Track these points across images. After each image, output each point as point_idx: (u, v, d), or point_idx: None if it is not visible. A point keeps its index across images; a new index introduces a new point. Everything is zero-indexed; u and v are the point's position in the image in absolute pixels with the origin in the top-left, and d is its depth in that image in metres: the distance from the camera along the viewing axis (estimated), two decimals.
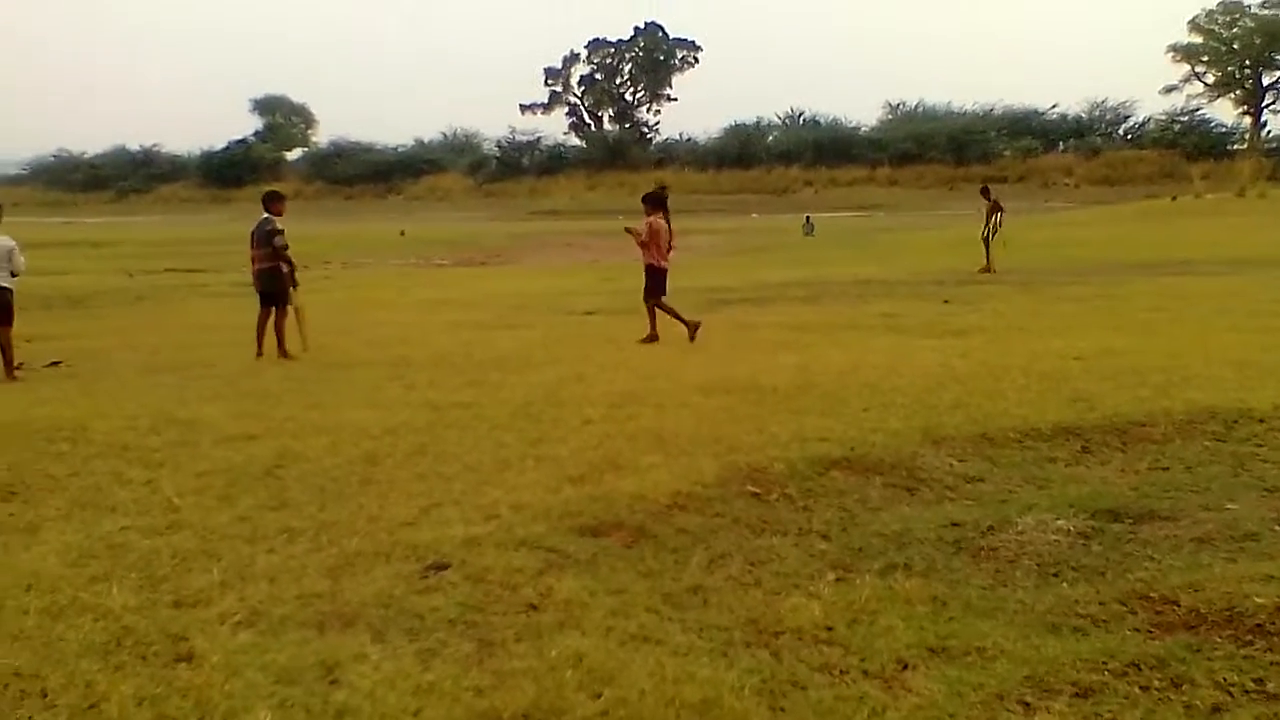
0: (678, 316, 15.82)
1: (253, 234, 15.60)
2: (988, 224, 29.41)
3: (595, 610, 5.62)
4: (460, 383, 12.29)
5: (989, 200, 29.76)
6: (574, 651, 5.10)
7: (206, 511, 7.46)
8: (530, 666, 4.99)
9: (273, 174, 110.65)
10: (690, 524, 7.08)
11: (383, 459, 8.78)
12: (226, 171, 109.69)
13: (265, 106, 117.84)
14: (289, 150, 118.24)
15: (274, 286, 15.26)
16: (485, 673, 4.95)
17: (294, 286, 15.37)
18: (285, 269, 15.25)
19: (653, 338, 15.70)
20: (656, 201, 16.35)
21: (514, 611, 5.65)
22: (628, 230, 16.25)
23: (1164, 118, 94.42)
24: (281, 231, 15.30)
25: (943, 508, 7.46)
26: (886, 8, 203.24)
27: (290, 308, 15.24)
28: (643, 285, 16.16)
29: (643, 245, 16.09)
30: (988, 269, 28.37)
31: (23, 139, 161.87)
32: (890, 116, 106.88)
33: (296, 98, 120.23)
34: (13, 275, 13.66)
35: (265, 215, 15.45)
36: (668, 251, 16.17)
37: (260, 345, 15.12)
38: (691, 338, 15.49)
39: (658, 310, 15.89)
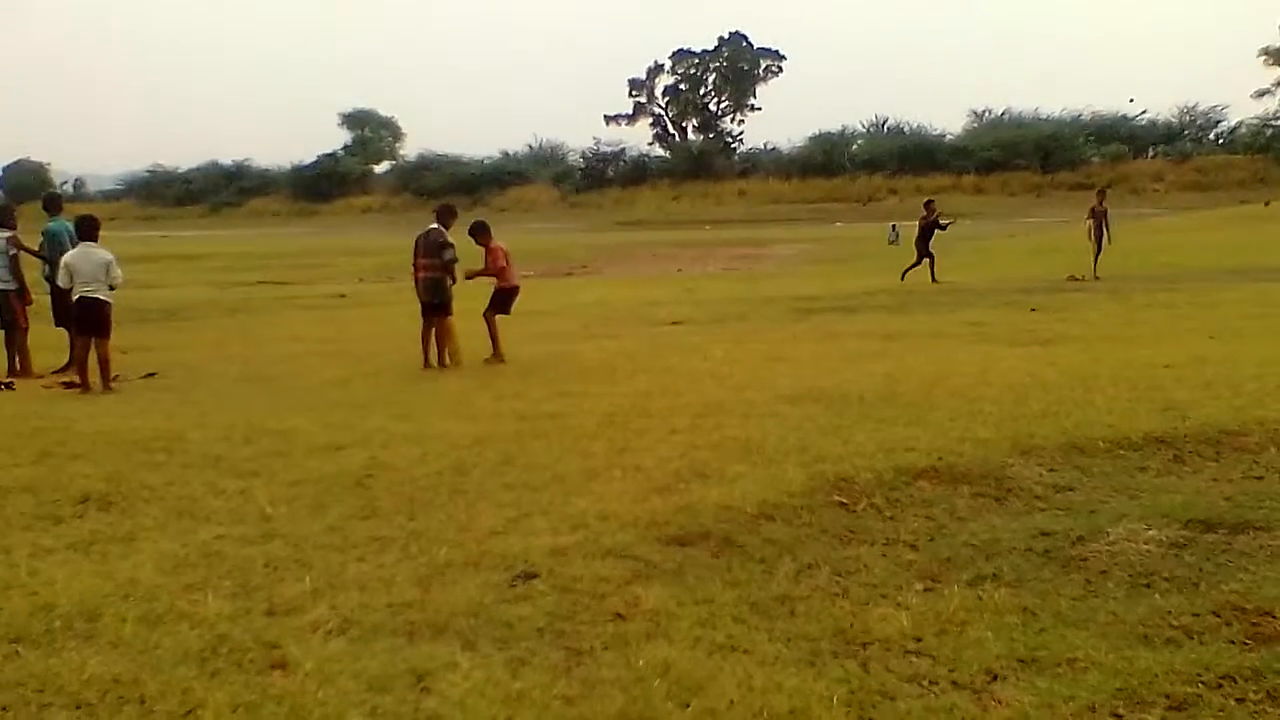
0: (495, 340, 15.71)
1: (418, 242, 15.53)
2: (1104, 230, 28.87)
3: (682, 620, 5.64)
4: (547, 393, 12.35)
5: (1101, 205, 29.25)
6: (662, 661, 5.12)
7: (298, 521, 7.58)
8: (618, 676, 5.01)
9: (360, 187, 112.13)
10: (777, 534, 7.08)
11: (471, 469, 8.85)
12: (315, 185, 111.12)
13: (354, 121, 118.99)
14: (377, 163, 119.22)
15: (440, 296, 15.33)
16: (574, 681, 4.98)
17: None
18: (450, 282, 15.37)
19: (498, 357, 15.59)
20: (486, 227, 16.21)
21: (602, 621, 5.68)
22: (472, 276, 15.98)
23: (1256, 122, 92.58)
24: (453, 245, 15.40)
25: (1032, 517, 7.39)
26: (972, 14, 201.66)
27: (450, 319, 15.33)
28: (489, 302, 16.07)
29: (501, 270, 16.04)
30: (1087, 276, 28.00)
31: (120, 155, 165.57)
32: (975, 124, 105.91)
33: (385, 111, 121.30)
34: (110, 288, 13.92)
35: (435, 226, 15.49)
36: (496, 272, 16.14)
37: (426, 355, 15.26)
38: (487, 361, 15.39)
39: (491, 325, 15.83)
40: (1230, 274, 26.70)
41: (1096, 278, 27.67)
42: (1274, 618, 5.43)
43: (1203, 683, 4.78)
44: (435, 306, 15.27)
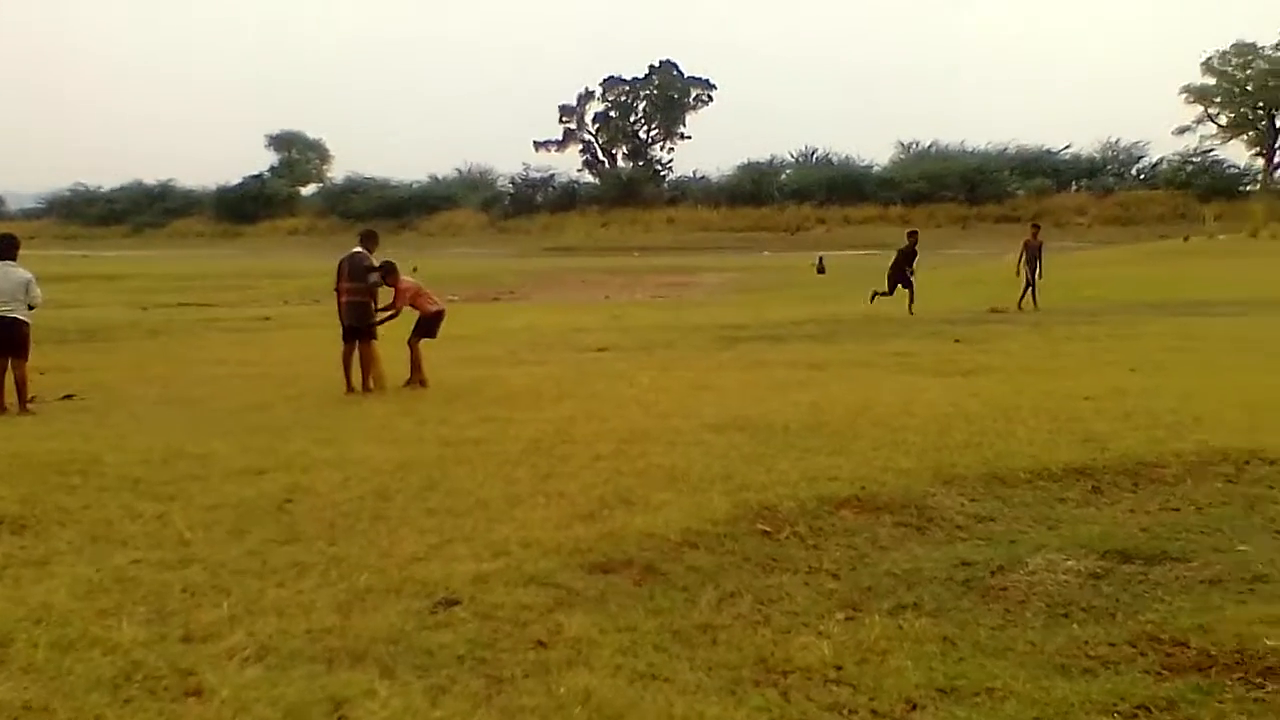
0: (417, 365, 15.68)
1: (342, 266, 15.42)
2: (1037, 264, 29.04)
3: (604, 648, 5.62)
4: (472, 418, 12.31)
5: (1036, 239, 29.49)
6: (583, 689, 5.10)
7: (217, 546, 7.49)
8: (539, 704, 4.99)
9: (287, 209, 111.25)
10: (700, 562, 7.08)
11: (393, 494, 8.80)
12: (241, 206, 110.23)
13: (280, 142, 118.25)
14: (304, 186, 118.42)
15: (364, 321, 15.22)
16: (494, 710, 4.95)
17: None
18: (374, 306, 15.27)
19: (421, 381, 15.57)
20: (393, 268, 15.91)
21: (523, 649, 5.65)
22: (381, 321, 15.74)
23: (1177, 158, 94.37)
24: (379, 269, 15.30)
25: (953, 547, 7.45)
26: (899, 48, 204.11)
27: (373, 344, 15.21)
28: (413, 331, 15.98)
29: (410, 304, 15.93)
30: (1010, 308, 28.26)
31: (41, 173, 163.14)
32: (903, 155, 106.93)
33: (312, 134, 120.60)
34: (29, 308, 13.72)
35: (359, 250, 15.42)
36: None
37: (349, 380, 15.07)
38: (408, 385, 15.38)
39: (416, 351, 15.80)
40: (1151, 307, 27.10)
41: (1020, 308, 28.04)
42: (1188, 648, 5.50)
43: (1118, 712, 4.84)
44: (358, 331, 15.16)
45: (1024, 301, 28.68)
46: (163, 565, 7.06)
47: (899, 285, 28.59)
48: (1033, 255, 29.11)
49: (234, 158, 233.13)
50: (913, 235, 29.69)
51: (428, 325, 16.04)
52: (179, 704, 5.04)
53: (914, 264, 28.73)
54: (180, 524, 7.97)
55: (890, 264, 29.33)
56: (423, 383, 15.39)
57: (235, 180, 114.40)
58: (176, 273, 56.36)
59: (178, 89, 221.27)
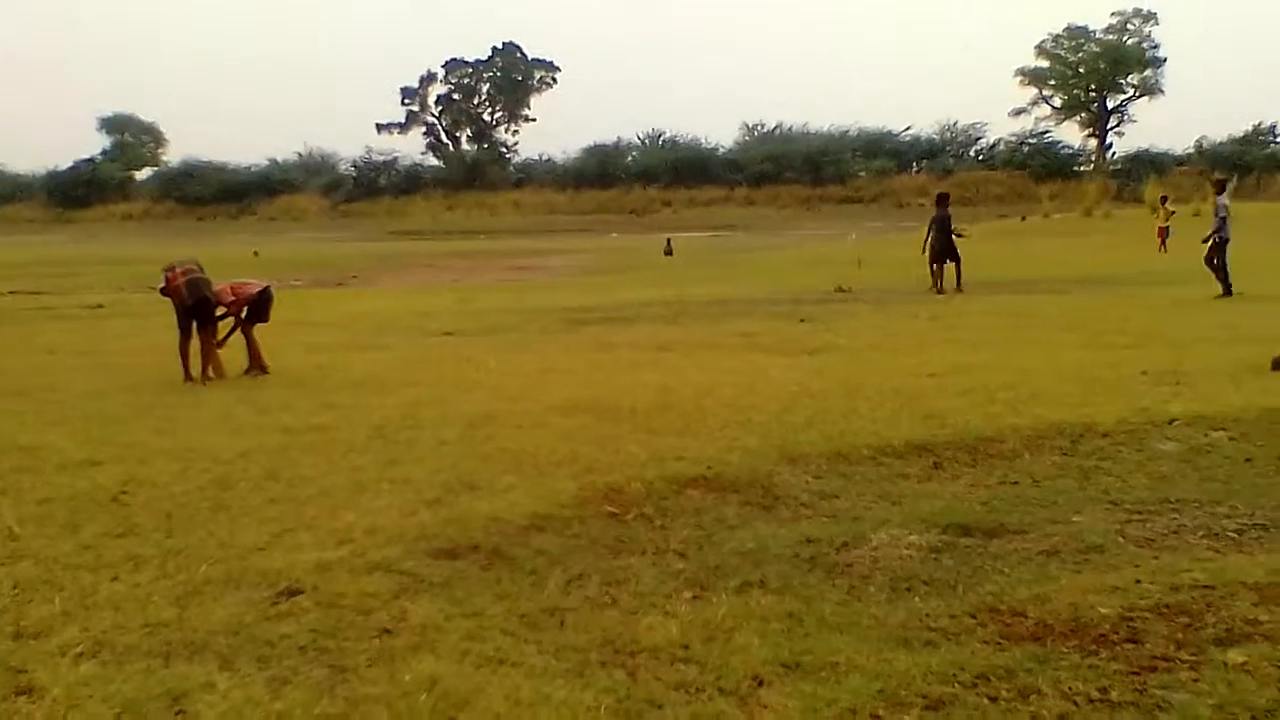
0: (254, 351, 15.45)
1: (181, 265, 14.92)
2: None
3: (450, 633, 5.58)
4: (314, 405, 12.12)
5: (944, 210, 27.89)
6: (428, 675, 5.05)
7: (48, 540, 7.28)
8: (383, 692, 4.93)
9: (121, 194, 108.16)
10: (547, 545, 7.06)
11: (234, 484, 8.62)
12: (73, 192, 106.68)
13: (113, 125, 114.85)
14: (138, 169, 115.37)
15: (208, 295, 14.70)
16: (337, 699, 4.88)
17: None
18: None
19: (262, 368, 15.33)
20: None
21: (367, 637, 5.58)
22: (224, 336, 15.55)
23: (1013, 140, 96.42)
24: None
25: (798, 525, 7.52)
26: (743, 29, 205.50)
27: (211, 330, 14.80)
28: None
29: (235, 301, 15.52)
30: (941, 288, 27.07)
31: None
32: (747, 137, 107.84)
33: (146, 116, 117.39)
34: None
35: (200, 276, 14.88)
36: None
37: (187, 368, 14.52)
38: (248, 372, 15.14)
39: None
40: (989, 286, 27.63)
41: (960, 289, 26.98)
42: (1026, 618, 5.62)
43: (959, 682, 4.91)
44: (197, 313, 14.65)
45: (945, 282, 27.25)
46: None
47: (947, 259, 27.27)
48: (944, 229, 27.45)
49: (64, 142, 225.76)
50: (944, 199, 28.60)
51: (255, 308, 15.66)
52: (8, 703, 4.89)
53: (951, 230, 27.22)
54: (9, 518, 7.72)
55: (928, 239, 27.62)
56: (264, 369, 15.10)
57: (66, 164, 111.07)
58: (5, 260, 54.55)
59: (2, 70, 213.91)
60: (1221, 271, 23.33)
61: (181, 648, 5.44)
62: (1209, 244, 23.66)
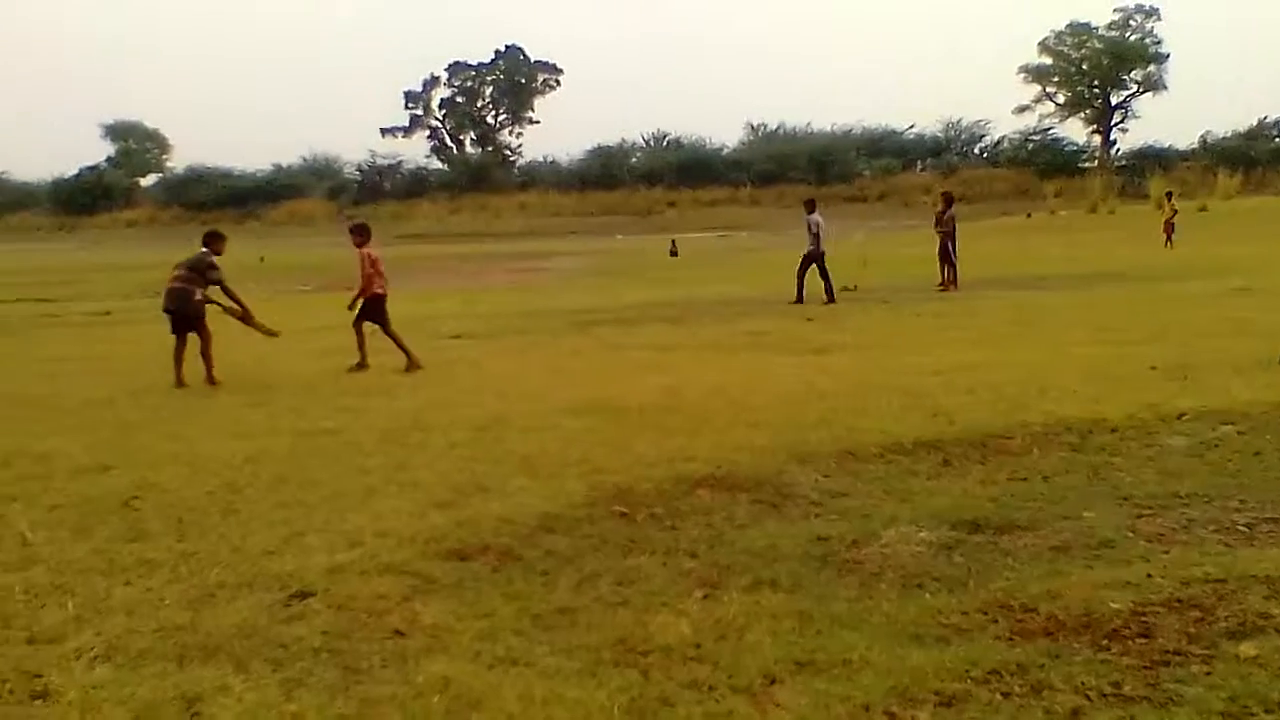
0: (403, 347, 15.78)
1: (183, 263, 15.00)
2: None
3: (462, 634, 5.58)
4: (324, 410, 12.13)
5: (947, 210, 27.92)
6: (441, 676, 5.06)
7: (60, 545, 7.29)
8: (396, 693, 4.93)
9: (126, 200, 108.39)
10: (558, 545, 7.06)
11: (244, 488, 8.64)
12: (78, 199, 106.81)
13: (117, 133, 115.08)
14: (143, 176, 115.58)
15: (181, 307, 14.66)
16: (351, 700, 4.89)
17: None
18: (202, 295, 14.81)
19: (363, 365, 15.58)
20: (366, 230, 16.23)
21: (379, 638, 5.59)
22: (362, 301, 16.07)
23: (1018, 137, 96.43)
24: (219, 269, 14.89)
25: (808, 523, 7.51)
26: (745, 29, 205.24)
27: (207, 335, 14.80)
28: (361, 312, 16.10)
29: (370, 277, 15.93)
30: (947, 285, 27.12)
31: None
32: (752, 137, 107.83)
33: (150, 123, 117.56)
34: None
35: (203, 250, 14.94)
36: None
37: (179, 374, 14.56)
38: (407, 369, 15.33)
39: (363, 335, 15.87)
40: (995, 283, 27.60)
41: (956, 287, 26.95)
42: (1037, 614, 5.62)
43: (971, 678, 4.91)
44: (182, 320, 14.70)
45: (948, 280, 27.23)
46: (4, 567, 6.86)
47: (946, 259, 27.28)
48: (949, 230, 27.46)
49: (69, 149, 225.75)
50: (948, 197, 28.57)
51: (380, 308, 16.05)
52: (24, 707, 4.90)
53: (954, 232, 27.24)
54: (21, 524, 7.73)
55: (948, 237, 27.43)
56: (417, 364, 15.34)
57: (71, 172, 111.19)
58: (12, 267, 54.59)
59: (7, 77, 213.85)
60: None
61: (195, 651, 5.45)
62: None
